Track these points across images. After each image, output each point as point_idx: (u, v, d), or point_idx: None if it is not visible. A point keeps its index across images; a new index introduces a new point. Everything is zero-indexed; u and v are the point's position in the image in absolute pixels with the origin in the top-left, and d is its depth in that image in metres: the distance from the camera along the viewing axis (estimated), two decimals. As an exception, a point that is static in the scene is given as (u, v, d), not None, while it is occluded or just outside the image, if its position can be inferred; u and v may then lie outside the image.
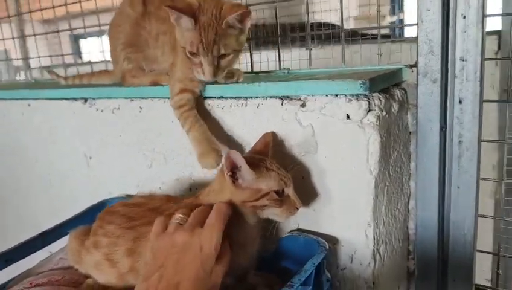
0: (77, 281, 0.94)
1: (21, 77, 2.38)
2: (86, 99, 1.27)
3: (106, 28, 1.26)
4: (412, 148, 1.00)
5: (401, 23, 3.23)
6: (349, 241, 0.91)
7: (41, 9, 1.81)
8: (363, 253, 0.90)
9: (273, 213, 0.81)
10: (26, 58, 2.19)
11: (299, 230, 0.95)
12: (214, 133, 1.01)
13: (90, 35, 2.37)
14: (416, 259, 1.05)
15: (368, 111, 0.83)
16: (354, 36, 2.07)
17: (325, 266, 0.86)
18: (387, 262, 0.95)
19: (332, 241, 0.91)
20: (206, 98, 1.02)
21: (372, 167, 0.84)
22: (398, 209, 0.98)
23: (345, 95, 0.84)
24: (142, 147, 1.17)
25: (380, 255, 0.92)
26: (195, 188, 1.09)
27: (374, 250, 0.89)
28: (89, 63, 1.85)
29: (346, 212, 0.89)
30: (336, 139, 0.86)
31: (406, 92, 0.97)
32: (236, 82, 0.99)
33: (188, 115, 0.97)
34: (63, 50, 1.94)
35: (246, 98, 0.96)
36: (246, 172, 0.77)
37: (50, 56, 2.02)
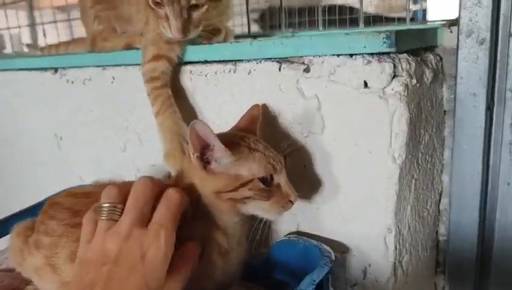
0: (17, 287, 0.75)
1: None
2: (56, 70, 1.08)
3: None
4: (447, 131, 0.78)
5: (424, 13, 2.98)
6: (363, 251, 0.69)
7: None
8: (381, 266, 0.68)
9: (259, 208, 0.60)
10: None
11: (298, 233, 0.74)
12: (194, 109, 0.82)
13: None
14: (447, 273, 0.83)
15: (393, 77, 0.61)
16: (376, 21, 1.83)
17: (330, 283, 0.65)
18: (411, 277, 0.73)
19: (341, 249, 0.70)
20: (186, 63, 0.81)
21: (396, 152, 0.63)
22: (427, 209, 0.76)
23: (363, 54, 0.63)
24: (114, 126, 0.98)
25: (402, 268, 0.70)
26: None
27: (394, 263, 0.68)
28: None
29: (360, 213, 0.68)
30: (348, 114, 0.65)
31: (441, 58, 0.75)
32: (224, 42, 0.78)
33: (159, 93, 0.77)
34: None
35: (235, 61, 0.75)
36: (220, 152, 0.56)
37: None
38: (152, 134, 0.90)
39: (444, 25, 0.76)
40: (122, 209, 0.53)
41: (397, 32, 0.60)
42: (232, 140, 0.59)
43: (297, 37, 0.78)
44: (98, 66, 0.97)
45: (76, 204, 0.69)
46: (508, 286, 0.77)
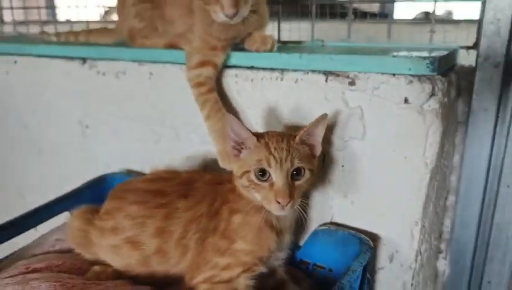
0: (80, 268, 0.81)
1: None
2: (84, 60, 1.11)
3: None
4: (458, 139, 0.91)
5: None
6: (391, 240, 0.81)
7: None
8: (406, 253, 0.80)
9: (260, 200, 0.71)
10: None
11: (332, 223, 0.85)
12: (237, 112, 0.90)
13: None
14: (448, 259, 0.97)
15: (431, 96, 0.72)
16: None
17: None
18: (425, 262, 0.87)
19: (372, 238, 0.82)
20: (232, 67, 0.89)
21: (429, 160, 0.74)
22: (439, 205, 0.89)
23: (405, 74, 0.73)
24: (149, 119, 1.03)
25: (421, 255, 0.83)
26: (211, 168, 0.97)
27: (417, 250, 0.80)
28: (68, 22, 1.66)
29: (392, 208, 0.79)
30: (388, 125, 0.76)
31: (459, 76, 0.87)
32: (270, 51, 0.86)
33: (207, 98, 0.84)
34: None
35: (283, 70, 0.84)
36: (248, 139, 0.71)
37: (24, 8, 1.81)
38: (191, 129, 0.98)
39: (463, 48, 0.87)
40: None
41: (439, 59, 0.71)
42: (261, 134, 0.72)
43: (336, 50, 0.87)
44: (134, 61, 1.02)
45: (156, 188, 0.80)
46: (500, 273, 0.92)
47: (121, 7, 1.04)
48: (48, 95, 1.22)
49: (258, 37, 0.86)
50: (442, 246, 0.98)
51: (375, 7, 2.07)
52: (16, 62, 1.25)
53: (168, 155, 1.03)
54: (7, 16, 1.94)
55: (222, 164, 0.83)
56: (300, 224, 0.80)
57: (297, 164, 0.70)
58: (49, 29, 1.53)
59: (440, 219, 0.93)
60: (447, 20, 1.53)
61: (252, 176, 0.70)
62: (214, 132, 0.84)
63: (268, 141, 0.71)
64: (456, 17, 1.95)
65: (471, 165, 0.88)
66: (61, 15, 2.32)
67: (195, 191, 0.78)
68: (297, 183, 0.70)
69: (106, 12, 1.83)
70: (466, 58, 0.88)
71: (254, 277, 0.73)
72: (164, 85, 0.99)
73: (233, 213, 0.74)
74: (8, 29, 1.92)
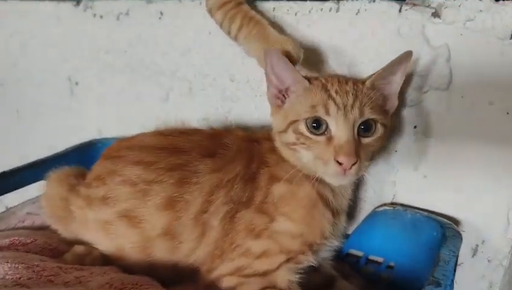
0: (56, 248, 0.60)
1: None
2: (78, 1, 0.91)
3: None
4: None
5: None
6: (477, 227, 0.61)
7: None
8: (497, 245, 0.60)
9: (310, 163, 0.52)
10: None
11: (395, 204, 0.65)
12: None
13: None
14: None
15: (551, 28, 0.53)
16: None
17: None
18: None
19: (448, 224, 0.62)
20: (268, -1, 0.69)
21: (542, 116, 0.55)
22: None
23: (515, -1, 0.54)
24: (156, 70, 0.83)
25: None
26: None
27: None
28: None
29: (481, 185, 0.59)
30: (485, 69, 0.56)
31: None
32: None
33: (235, 12, 0.64)
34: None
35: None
36: (294, 82, 0.53)
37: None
38: (208, 82, 0.77)
39: None
40: None
41: None
42: (314, 77, 0.53)
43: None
44: (140, -1, 0.82)
45: (171, 143, 0.59)
46: None
47: None
48: (31, 46, 1.01)
49: None
50: None
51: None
52: (-5, 7, 1.04)
53: (178, 115, 0.82)
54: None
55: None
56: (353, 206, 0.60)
57: (368, 114, 0.50)
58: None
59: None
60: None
61: (302, 127, 0.50)
62: (253, 37, 0.62)
63: (327, 82, 0.52)
64: None
65: None
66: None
67: (225, 149, 0.57)
68: (365, 141, 0.51)
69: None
70: None
71: (300, 270, 0.53)
72: (178, 27, 0.79)
73: (274, 180, 0.55)
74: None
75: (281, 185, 0.54)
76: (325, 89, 0.52)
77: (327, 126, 0.50)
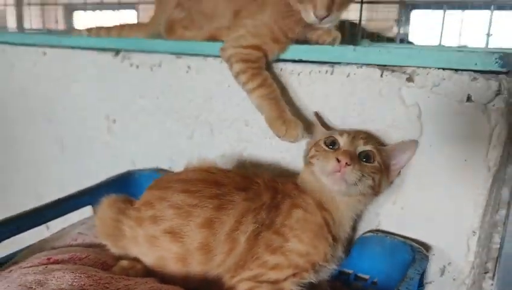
0: (105, 262, 0.75)
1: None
2: (117, 51, 1.08)
3: None
4: (513, 149, 0.85)
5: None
6: (444, 251, 0.75)
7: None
8: (460, 266, 0.74)
9: (320, 169, 0.69)
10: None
11: (378, 231, 0.79)
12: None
13: (86, 8, 2.07)
14: (496, 279, 0.90)
15: (496, 95, 0.68)
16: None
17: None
18: (476, 280, 0.80)
19: (422, 248, 0.76)
20: (276, 60, 0.85)
21: (491, 162, 0.69)
22: (492, 218, 0.83)
23: (469, 71, 0.69)
24: (183, 114, 0.99)
25: (474, 270, 0.76)
26: (247, 167, 0.92)
27: (473, 264, 0.74)
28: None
29: (447, 216, 0.73)
30: (447, 125, 0.71)
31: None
32: (332, 45, 0.81)
33: (257, 72, 0.79)
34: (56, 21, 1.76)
35: (333, 64, 0.80)
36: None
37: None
38: (226, 125, 0.93)
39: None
40: None
41: (507, 54, 0.66)
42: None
43: (399, 47, 0.83)
44: (171, 53, 0.99)
45: (211, 177, 0.74)
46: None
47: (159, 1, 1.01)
48: (75, 88, 1.18)
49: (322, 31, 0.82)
50: (489, 265, 0.91)
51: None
52: (45, 53, 1.23)
53: (201, 152, 0.98)
54: (27, 24, 1.96)
55: (276, 129, 0.78)
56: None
57: (368, 147, 0.69)
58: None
59: (490, 234, 0.86)
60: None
61: (321, 144, 0.71)
62: (265, 98, 0.78)
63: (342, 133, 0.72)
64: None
65: (527, 176, 0.82)
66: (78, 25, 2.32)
67: (255, 185, 0.73)
68: (363, 163, 0.68)
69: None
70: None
71: (302, 284, 0.67)
72: (202, 79, 0.95)
73: (294, 207, 0.70)
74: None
75: (299, 211, 0.69)
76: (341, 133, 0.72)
77: (338, 144, 0.70)
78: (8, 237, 0.78)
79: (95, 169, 1.17)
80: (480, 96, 0.68)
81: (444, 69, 0.70)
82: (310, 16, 0.75)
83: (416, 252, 0.70)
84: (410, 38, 1.52)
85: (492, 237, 0.89)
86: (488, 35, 0.89)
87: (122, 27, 1.21)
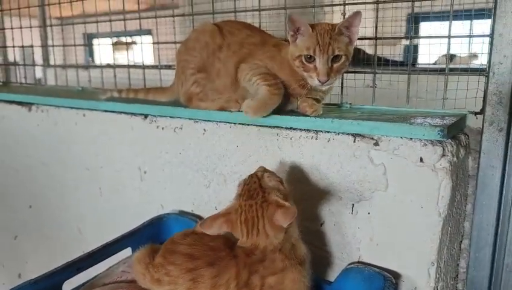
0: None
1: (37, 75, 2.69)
2: (146, 116, 1.32)
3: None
4: (470, 190, 1.04)
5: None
6: (411, 278, 0.94)
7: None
8: (424, 290, 0.93)
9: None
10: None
11: (360, 263, 0.99)
12: (279, 162, 1.06)
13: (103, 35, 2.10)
14: (465, 297, 1.08)
15: (442, 156, 0.87)
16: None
17: (390, 301, 0.90)
18: (442, 299, 0.99)
19: (394, 276, 0.95)
20: (274, 127, 1.06)
21: (441, 209, 0.88)
22: (454, 248, 1.02)
23: (420, 139, 0.89)
24: (201, 167, 1.21)
25: (438, 292, 0.96)
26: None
27: (434, 288, 0.93)
28: (108, 66, 1.80)
29: (411, 250, 0.93)
30: (407, 179, 0.91)
31: (468, 137, 1.02)
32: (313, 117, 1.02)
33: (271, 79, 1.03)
34: (76, 49, 1.96)
35: (317, 131, 1.01)
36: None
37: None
38: (237, 176, 1.15)
39: (471, 113, 1.02)
40: None
41: (448, 127, 0.86)
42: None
43: (364, 115, 1.03)
44: (190, 119, 1.21)
45: (192, 249, 0.90)
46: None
47: (180, 73, 1.24)
48: (111, 144, 1.42)
49: (309, 102, 1.03)
50: (460, 286, 1.10)
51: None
52: (84, 115, 1.47)
53: (216, 197, 1.20)
54: (52, 60, 2.26)
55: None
56: (331, 265, 0.94)
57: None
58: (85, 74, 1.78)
59: (456, 260, 1.05)
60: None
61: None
62: (259, 89, 1.02)
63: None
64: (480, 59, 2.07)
65: (481, 213, 1.01)
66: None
67: (221, 261, 0.86)
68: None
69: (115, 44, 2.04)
70: (475, 122, 1.03)
71: None
72: (216, 140, 1.17)
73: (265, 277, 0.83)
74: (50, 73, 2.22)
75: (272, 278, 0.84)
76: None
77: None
78: (71, 277, 1.01)
79: (129, 211, 1.40)
80: (429, 158, 0.88)
81: (401, 137, 0.91)
82: (314, 81, 0.98)
83: (386, 280, 0.90)
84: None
85: (459, 262, 1.08)
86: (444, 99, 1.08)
87: (148, 90, 1.45)
